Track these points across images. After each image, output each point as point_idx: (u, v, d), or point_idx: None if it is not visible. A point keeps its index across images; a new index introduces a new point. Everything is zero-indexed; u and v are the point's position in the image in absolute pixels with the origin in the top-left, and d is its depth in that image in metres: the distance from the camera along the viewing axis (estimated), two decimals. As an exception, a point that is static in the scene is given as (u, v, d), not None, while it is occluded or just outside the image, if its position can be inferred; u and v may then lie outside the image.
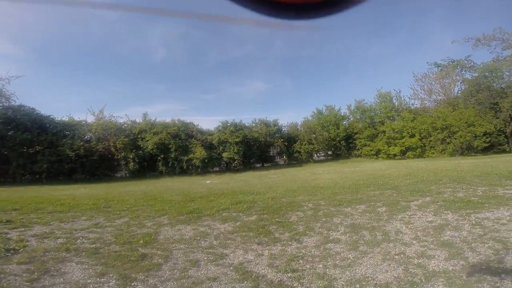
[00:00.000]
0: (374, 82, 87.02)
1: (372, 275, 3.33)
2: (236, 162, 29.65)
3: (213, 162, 28.28)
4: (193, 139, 26.79)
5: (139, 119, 27.97)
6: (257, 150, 29.93)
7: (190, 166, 26.76)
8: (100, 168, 25.07)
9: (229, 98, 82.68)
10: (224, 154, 26.96)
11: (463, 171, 11.77)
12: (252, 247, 4.75)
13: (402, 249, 4.11)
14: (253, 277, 3.57)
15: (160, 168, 26.16)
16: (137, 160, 25.10)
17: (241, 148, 27.05)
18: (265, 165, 32.47)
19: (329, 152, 37.91)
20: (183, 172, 26.47)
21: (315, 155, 37.60)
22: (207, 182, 18.18)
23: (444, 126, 25.24)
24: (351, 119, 35.60)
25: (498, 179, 9.07)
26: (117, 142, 24.45)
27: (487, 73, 25.68)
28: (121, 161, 25.38)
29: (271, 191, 11.04)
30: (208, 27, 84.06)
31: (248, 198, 9.46)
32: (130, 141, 25.40)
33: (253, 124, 31.36)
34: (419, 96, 31.94)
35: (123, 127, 26.53)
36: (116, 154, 24.82)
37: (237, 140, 26.71)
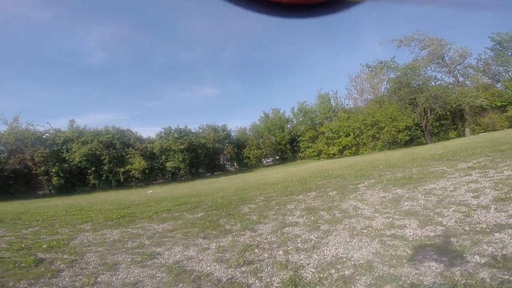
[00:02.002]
0: (316, 84, 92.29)
1: (345, 255, 2.82)
2: (182, 171, 27.65)
3: (156, 173, 25.70)
4: (130, 148, 23.96)
5: (65, 128, 24.01)
6: (205, 157, 28.35)
7: (128, 179, 23.83)
8: (15, 185, 20.31)
9: (176, 105, 78.04)
10: (168, 164, 24.70)
11: (394, 159, 12.91)
12: (196, 241, 3.88)
13: (367, 222, 3.75)
14: (192, 277, 2.74)
15: (91, 181, 22.55)
16: (61, 175, 21.05)
17: (187, 156, 25.04)
18: (215, 173, 31.15)
19: (277, 157, 38.80)
20: (120, 185, 23.33)
21: (264, 160, 38.02)
22: (149, 192, 16.24)
23: (373, 122, 27.97)
24: (294, 122, 37.08)
25: (424, 161, 10.06)
26: (35, 155, 20.25)
27: (407, 72, 28.90)
28: (41, 177, 21.07)
29: (221, 191, 10.22)
30: (155, 29, 78.76)
31: (194, 200, 8.45)
32: (52, 153, 21.26)
33: (200, 130, 29.74)
34: (352, 96, 34.68)
35: (43, 136, 22.10)
36: (34, 168, 20.53)
37: (182, 147, 24.61)
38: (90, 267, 3.22)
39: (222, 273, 2.80)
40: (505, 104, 27.14)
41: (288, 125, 36.31)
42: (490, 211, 3.48)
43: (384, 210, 4.32)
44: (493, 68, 29.89)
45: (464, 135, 27.62)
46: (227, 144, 30.59)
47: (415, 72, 28.59)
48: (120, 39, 72.22)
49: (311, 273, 2.60)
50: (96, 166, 22.27)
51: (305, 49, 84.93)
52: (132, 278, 2.83)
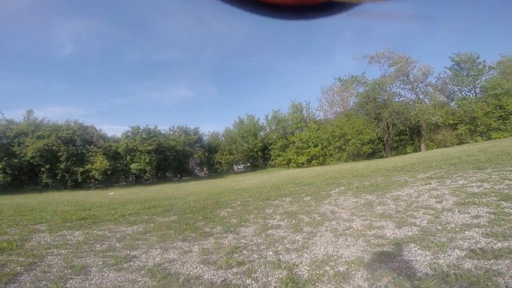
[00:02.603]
0: (290, 94, 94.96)
1: (335, 253, 2.87)
2: (148, 174, 26.27)
3: (118, 175, 24.05)
4: (92, 146, 22.22)
5: (20, 119, 21.52)
6: (173, 160, 27.29)
7: (87, 179, 21.94)
8: None
9: (146, 104, 74.99)
10: (133, 165, 23.31)
11: (360, 170, 13.65)
12: (175, 244, 3.64)
13: (347, 224, 3.87)
14: (180, 280, 2.57)
15: (44, 180, 20.36)
16: (9, 171, 18.77)
17: (154, 158, 23.91)
18: (183, 177, 30.03)
19: (248, 164, 38.88)
20: (77, 186, 21.38)
21: (235, 167, 37.80)
22: (110, 194, 15.12)
23: (341, 134, 29.48)
24: (267, 129, 37.62)
25: (387, 172, 10.78)
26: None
27: (375, 87, 30.76)
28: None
29: (192, 195, 9.87)
30: (131, 26, 75.32)
31: (164, 203, 8.02)
32: (0, 146, 18.98)
33: (171, 132, 28.70)
34: (323, 108, 36.02)
35: (-9, 127, 19.76)
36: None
37: (150, 148, 23.52)
38: (54, 270, 2.84)
39: (212, 275, 2.66)
40: (456, 122, 29.99)
41: (261, 133, 36.74)
42: (455, 213, 3.82)
43: (360, 213, 4.52)
44: (449, 87, 33.01)
45: (419, 150, 30.28)
46: (198, 148, 29.94)
47: (382, 88, 30.70)
48: (93, 33, 68.98)
49: (306, 271, 2.58)
50: (51, 164, 20.24)
51: (282, 59, 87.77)
52: (109, 283, 2.55)
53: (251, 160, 36.89)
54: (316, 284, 2.32)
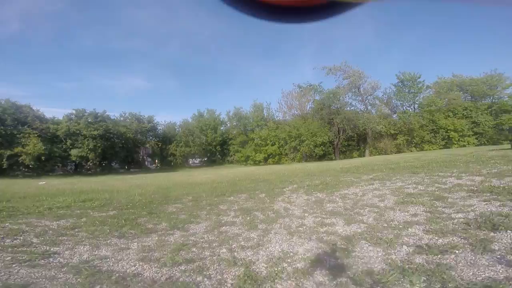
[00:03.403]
0: (253, 94, 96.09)
1: (291, 250, 2.81)
2: (90, 162, 23.63)
3: (54, 161, 21.10)
4: (26, 127, 19.06)
5: None
6: (122, 149, 24.96)
7: (15, 165, 18.81)
8: None
9: (96, 91, 68.36)
10: (73, 151, 20.68)
11: (311, 169, 14.30)
12: (109, 241, 3.22)
13: (300, 221, 3.88)
14: (113, 278, 2.20)
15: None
16: None
17: (99, 144, 21.50)
18: (131, 169, 27.71)
19: (205, 158, 37.95)
20: (2, 172, 18.25)
21: (191, 161, 36.52)
22: (41, 183, 13.20)
23: (297, 135, 30.91)
24: (228, 125, 37.31)
25: (335, 172, 11.43)
26: None
27: (330, 96, 34.10)
28: None
29: (138, 189, 9.10)
30: (93, 11, 67.33)
31: (104, 196, 7.22)
32: None
33: (121, 118, 26.26)
34: (283, 110, 37.58)
35: None
36: None
37: (96, 133, 21.09)
38: None
39: (155, 272, 2.35)
40: (396, 132, 33.50)
41: (222, 127, 36.26)
42: (396, 211, 4.11)
43: (312, 211, 4.60)
44: (393, 101, 36.92)
45: (364, 155, 33.16)
46: (151, 138, 28.03)
47: (336, 97, 33.03)
48: (46, 13, 60.25)
49: (264, 268, 2.44)
50: (-34, 145, 16.89)
51: (248, 60, 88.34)
52: (20, 279, 2.08)
53: (208, 155, 36.09)
54: (276, 280, 2.20)
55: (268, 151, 32.72)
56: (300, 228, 3.64)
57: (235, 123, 36.10)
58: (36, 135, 18.70)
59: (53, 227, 3.94)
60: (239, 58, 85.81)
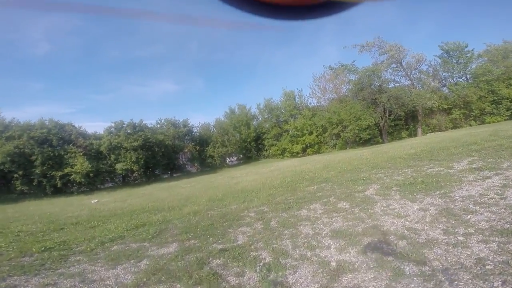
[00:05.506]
0: (278, 85, 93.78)
1: None
2: (135, 173, 24.30)
3: (103, 176, 21.99)
4: (71, 145, 19.91)
5: None
6: (163, 157, 25.23)
7: (68, 183, 19.85)
8: None
9: (130, 99, 72.47)
10: (118, 166, 21.18)
11: (370, 159, 12.04)
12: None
13: (460, 252, 2.64)
14: None
15: (18, 187, 18.20)
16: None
17: (141, 156, 21.78)
18: (174, 175, 28.06)
19: (241, 156, 37.34)
20: (58, 191, 19.28)
21: (228, 159, 36.20)
22: (93, 201, 13.37)
23: (339, 121, 28.39)
24: (260, 119, 36.07)
25: (405, 161, 9.40)
26: None
27: (368, 74, 30.03)
28: None
29: (190, 203, 8.35)
30: (111, 23, 72.12)
31: (156, 218, 6.53)
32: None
33: (158, 125, 26.38)
34: (316, 95, 34.84)
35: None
36: None
37: (136, 144, 21.22)
38: None
39: None
40: (450, 107, 29.80)
41: (254, 122, 35.16)
42: None
43: (454, 229, 3.19)
44: (441, 74, 32.81)
45: (415, 135, 29.75)
46: (189, 142, 27.99)
47: (377, 75, 29.86)
48: (69, 31, 65.57)
49: None
50: (24, 169, 18.02)
51: (267, 51, 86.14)
52: None
53: (244, 152, 35.38)
54: None
55: (305, 141, 30.81)
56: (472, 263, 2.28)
57: (267, 116, 34.68)
58: (81, 153, 19.40)
59: (110, 283, 3.09)
60: (257, 51, 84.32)
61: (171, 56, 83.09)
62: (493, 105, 29.09)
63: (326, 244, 3.46)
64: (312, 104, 34.90)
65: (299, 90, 38.39)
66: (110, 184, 24.78)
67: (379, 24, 62.58)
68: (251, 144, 34.26)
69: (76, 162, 19.13)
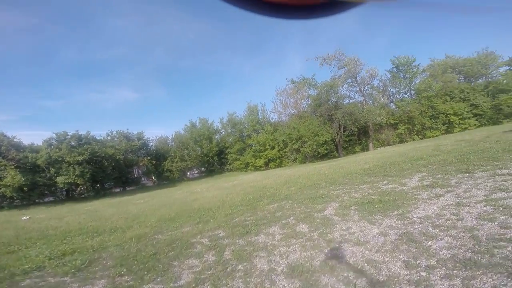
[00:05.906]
0: (246, 95, 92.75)
1: None
2: (81, 187, 21.70)
3: (40, 190, 19.19)
4: (0, 157, 17.00)
5: None
6: (113, 171, 23.08)
7: (-2, 199, 16.86)
8: None
9: (83, 107, 65.50)
10: (59, 179, 18.74)
11: (328, 174, 12.30)
12: None
13: None
14: None
15: None
16: None
17: (87, 170, 19.70)
18: (127, 188, 25.75)
19: (203, 169, 36.06)
20: (-17, 208, 16.23)
21: (188, 173, 34.62)
22: (24, 218, 11.40)
23: (298, 136, 29.32)
24: (223, 133, 35.52)
25: (361, 176, 9.75)
26: None
27: (326, 89, 30.91)
28: None
29: (136, 224, 7.45)
30: (71, 22, 65.05)
31: (91, 243, 5.63)
32: None
33: (108, 138, 24.42)
34: (278, 110, 35.23)
35: None
36: None
37: (80, 158, 19.21)
38: None
39: None
40: (396, 122, 32.32)
41: (217, 136, 34.43)
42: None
43: (423, 269, 3.10)
44: (389, 89, 35.41)
45: (367, 150, 31.91)
46: (144, 156, 26.06)
47: (334, 90, 31.34)
48: (20, 28, 57.41)
49: None
50: None
51: (235, 60, 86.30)
52: None
53: (206, 165, 34.27)
54: None
55: (268, 156, 31.17)
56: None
57: (230, 130, 34.33)
58: (12, 166, 16.71)
59: None
60: (225, 60, 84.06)
61: (132, 61, 78.04)
62: (432, 119, 31.93)
63: (281, 286, 3.11)
64: (273, 119, 35.53)
65: (262, 104, 39.20)
66: (51, 198, 21.76)
67: (342, 35, 66.65)
68: (214, 159, 33.40)
69: (6, 174, 16.37)
